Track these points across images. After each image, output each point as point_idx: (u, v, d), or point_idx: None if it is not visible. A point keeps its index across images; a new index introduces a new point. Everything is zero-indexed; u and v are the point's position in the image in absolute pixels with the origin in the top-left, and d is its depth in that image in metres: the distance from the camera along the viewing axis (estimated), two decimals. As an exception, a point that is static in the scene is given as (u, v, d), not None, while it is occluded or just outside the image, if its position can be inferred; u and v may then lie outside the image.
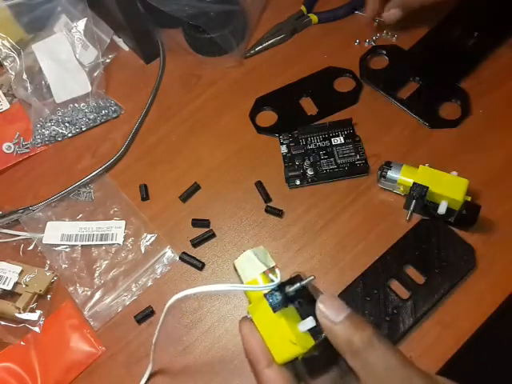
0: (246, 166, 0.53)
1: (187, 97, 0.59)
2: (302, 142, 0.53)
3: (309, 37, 0.61)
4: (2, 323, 0.48)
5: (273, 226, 0.50)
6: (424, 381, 0.28)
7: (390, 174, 0.47)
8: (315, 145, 0.53)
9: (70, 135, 0.58)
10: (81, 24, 0.60)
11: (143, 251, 0.50)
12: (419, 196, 0.45)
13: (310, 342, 0.30)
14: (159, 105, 0.59)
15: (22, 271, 0.49)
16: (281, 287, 0.31)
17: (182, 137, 0.56)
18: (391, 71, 0.57)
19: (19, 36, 0.61)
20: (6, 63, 0.59)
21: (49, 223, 0.52)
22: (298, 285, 0.30)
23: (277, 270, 0.32)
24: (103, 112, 0.59)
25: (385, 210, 0.49)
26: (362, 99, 0.56)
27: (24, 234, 0.52)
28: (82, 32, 0.60)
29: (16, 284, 0.49)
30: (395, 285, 0.44)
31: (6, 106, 0.61)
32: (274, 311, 0.30)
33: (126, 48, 0.64)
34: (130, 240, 0.51)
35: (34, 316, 0.48)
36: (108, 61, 0.62)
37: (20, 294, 0.48)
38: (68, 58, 0.59)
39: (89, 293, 0.49)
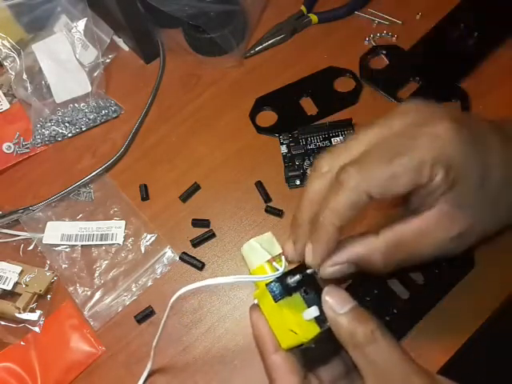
0: (245, 166, 0.53)
1: (187, 97, 0.59)
2: (301, 142, 0.53)
3: (309, 37, 0.61)
4: (2, 323, 0.48)
5: (273, 226, 0.50)
6: (424, 380, 0.28)
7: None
8: (315, 145, 0.53)
9: (70, 135, 0.58)
10: (81, 24, 0.60)
11: (143, 251, 0.50)
12: None
13: (315, 331, 0.30)
14: (159, 105, 0.59)
15: (22, 271, 0.49)
16: (282, 278, 0.31)
17: (182, 137, 0.56)
18: (391, 71, 0.57)
19: (19, 36, 0.61)
20: (5, 63, 0.59)
21: (49, 223, 0.52)
22: (297, 276, 0.31)
23: (283, 258, 0.32)
24: (103, 112, 0.59)
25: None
26: (361, 99, 0.56)
27: (24, 234, 0.52)
28: (82, 32, 0.60)
29: (16, 284, 0.49)
30: (395, 285, 0.44)
31: (6, 105, 0.61)
32: (275, 301, 0.30)
33: (126, 48, 0.64)
34: (129, 240, 0.51)
35: (34, 316, 0.48)
36: (108, 61, 0.62)
37: (20, 294, 0.48)
38: (68, 58, 0.59)
39: (89, 293, 0.49)
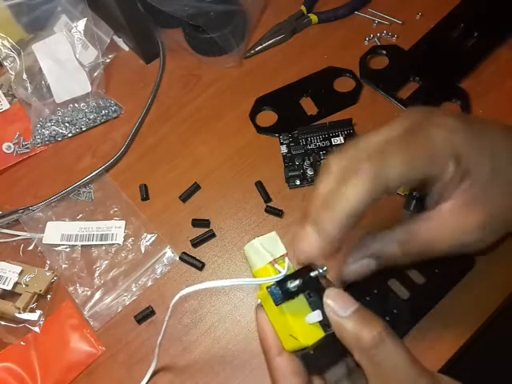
0: (246, 166, 0.53)
1: (187, 97, 0.59)
2: (301, 142, 0.53)
3: (309, 37, 0.61)
4: (2, 323, 0.48)
5: (273, 226, 0.50)
6: (430, 382, 0.28)
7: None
8: (315, 145, 0.53)
9: (70, 135, 0.58)
10: (81, 24, 0.60)
11: (143, 251, 0.50)
12: (419, 196, 0.45)
13: (319, 335, 0.30)
14: (159, 105, 0.59)
15: (21, 271, 0.49)
16: (282, 281, 0.30)
17: (182, 137, 0.57)
18: (391, 71, 0.56)
19: (19, 36, 0.61)
20: (6, 63, 0.59)
21: (49, 223, 0.52)
22: (297, 282, 0.30)
23: (286, 260, 0.31)
24: (103, 112, 0.59)
25: (384, 210, 0.49)
26: (361, 99, 0.56)
27: (24, 234, 0.52)
28: (82, 32, 0.60)
29: (16, 284, 0.49)
30: (395, 285, 0.44)
31: (6, 106, 0.61)
32: (276, 305, 0.30)
33: (126, 48, 0.64)
34: (130, 240, 0.51)
35: (34, 316, 0.48)
36: (108, 61, 0.62)
37: (20, 294, 0.48)
38: (68, 58, 0.59)
39: (89, 293, 0.49)
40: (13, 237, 0.52)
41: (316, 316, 0.29)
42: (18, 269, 0.49)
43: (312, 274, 0.31)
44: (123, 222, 0.52)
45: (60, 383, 0.45)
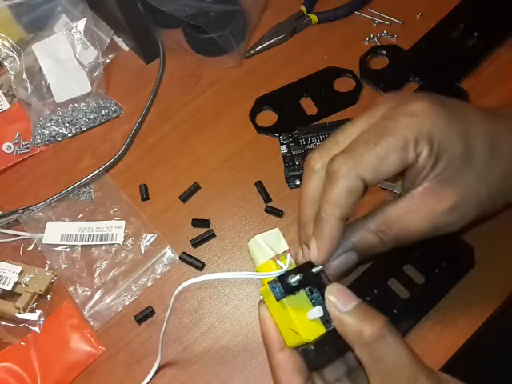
0: (246, 166, 0.53)
1: (187, 97, 0.59)
2: (301, 142, 0.53)
3: (309, 37, 0.61)
4: (2, 323, 0.48)
5: (273, 226, 0.50)
6: (430, 380, 0.28)
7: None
8: (315, 145, 0.53)
9: (70, 135, 0.58)
10: (81, 24, 0.60)
11: (143, 251, 0.50)
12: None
13: (320, 331, 0.30)
14: (159, 105, 0.59)
15: (22, 271, 0.49)
16: (283, 277, 0.30)
17: (182, 137, 0.57)
18: (391, 71, 0.56)
19: (19, 36, 0.61)
20: (6, 63, 0.59)
21: (49, 223, 0.52)
22: (298, 277, 0.30)
23: (288, 256, 0.32)
24: (103, 112, 0.59)
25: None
26: (361, 99, 0.56)
27: (24, 234, 0.52)
28: (82, 32, 0.60)
29: (16, 284, 0.49)
30: (395, 285, 0.44)
31: (6, 106, 0.61)
32: (277, 300, 0.30)
33: (126, 48, 0.64)
34: (130, 240, 0.51)
35: (34, 316, 0.48)
36: (108, 61, 0.62)
37: (20, 294, 0.48)
38: (68, 58, 0.59)
39: (89, 293, 0.49)
40: (13, 237, 0.52)
41: (317, 312, 0.30)
42: (18, 269, 0.49)
43: (314, 270, 0.31)
44: (123, 222, 0.52)
45: (60, 383, 0.45)
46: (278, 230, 0.33)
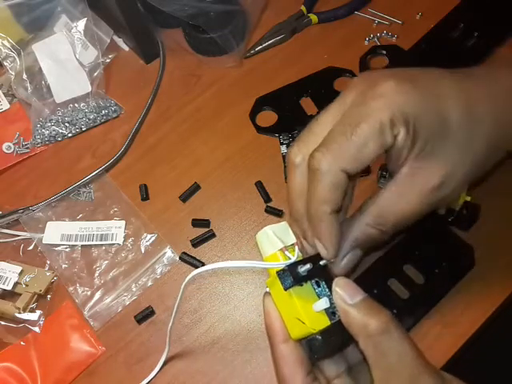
0: (246, 166, 0.53)
1: (187, 97, 0.59)
2: (301, 141, 0.53)
3: (309, 37, 0.61)
4: (2, 323, 0.48)
5: (273, 226, 0.50)
6: (434, 380, 0.28)
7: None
8: (315, 145, 0.53)
9: (70, 135, 0.58)
10: (81, 24, 0.60)
11: (143, 251, 0.50)
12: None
13: (325, 323, 0.30)
14: (159, 105, 0.59)
15: (22, 271, 0.49)
16: (292, 266, 0.31)
17: (182, 137, 0.57)
18: (391, 71, 0.56)
19: (19, 36, 0.61)
20: (6, 63, 0.59)
21: (49, 223, 0.52)
22: (308, 266, 0.30)
23: (296, 248, 0.32)
24: (103, 112, 0.59)
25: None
26: (361, 99, 0.56)
27: (24, 234, 0.52)
28: (82, 32, 0.60)
29: (16, 284, 0.49)
30: (395, 285, 0.44)
31: (6, 106, 0.61)
32: (285, 289, 0.30)
33: (126, 48, 0.64)
34: (130, 240, 0.51)
35: (34, 316, 0.48)
36: (108, 61, 0.62)
37: (20, 294, 0.48)
38: (68, 58, 0.59)
39: (89, 293, 0.49)
40: (13, 237, 0.52)
41: (323, 303, 0.30)
42: (18, 269, 0.49)
43: (321, 262, 0.32)
44: (123, 222, 0.52)
45: (60, 383, 0.45)
46: (286, 223, 0.34)
